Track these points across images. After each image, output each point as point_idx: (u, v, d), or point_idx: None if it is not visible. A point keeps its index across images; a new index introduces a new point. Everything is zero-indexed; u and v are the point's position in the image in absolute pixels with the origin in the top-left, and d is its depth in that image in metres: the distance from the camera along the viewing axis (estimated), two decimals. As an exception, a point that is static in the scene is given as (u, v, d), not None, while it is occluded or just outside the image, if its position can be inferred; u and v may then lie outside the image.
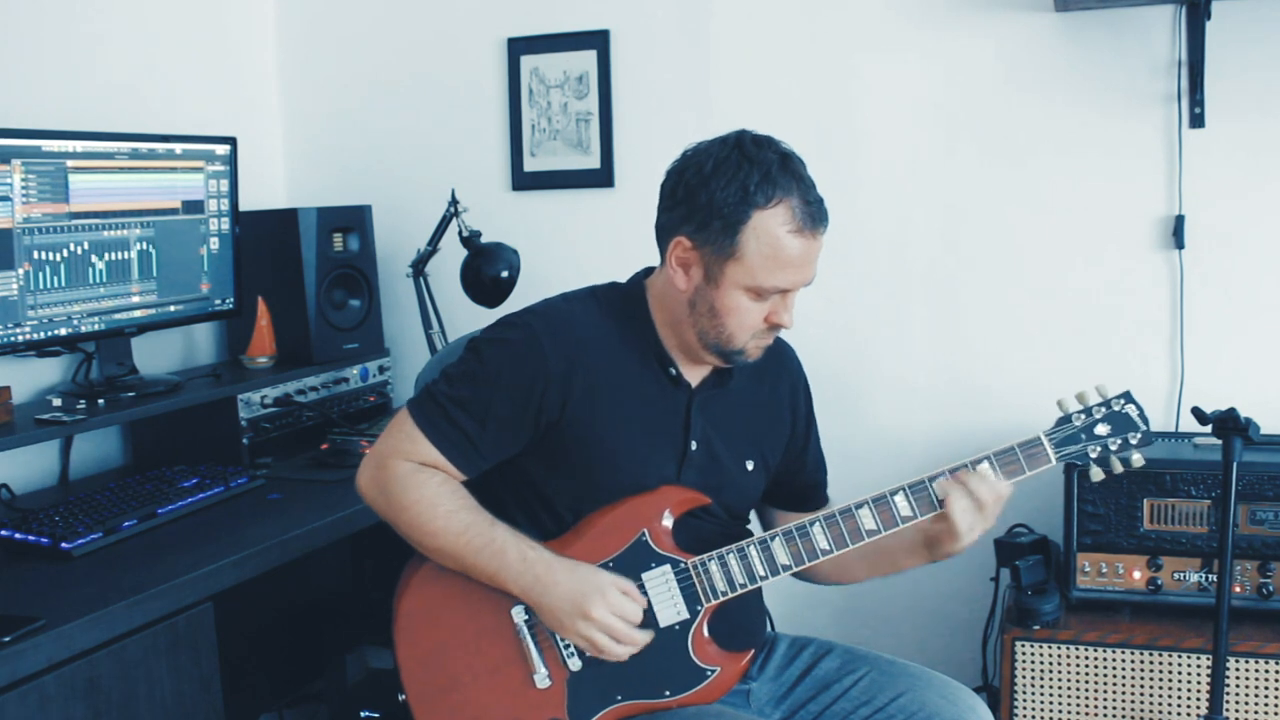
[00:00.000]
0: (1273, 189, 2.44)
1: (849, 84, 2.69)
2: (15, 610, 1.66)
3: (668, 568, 1.64)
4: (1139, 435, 1.62)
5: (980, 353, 2.67)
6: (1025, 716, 2.27)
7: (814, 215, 1.57)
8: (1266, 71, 2.41)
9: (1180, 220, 2.48)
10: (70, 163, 2.24)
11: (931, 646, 2.69)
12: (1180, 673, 2.19)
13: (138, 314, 2.43)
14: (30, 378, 2.42)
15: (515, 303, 2.38)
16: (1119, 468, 1.63)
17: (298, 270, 2.73)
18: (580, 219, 2.93)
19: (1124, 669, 2.21)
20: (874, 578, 1.79)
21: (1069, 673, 2.24)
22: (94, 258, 2.31)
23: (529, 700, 1.64)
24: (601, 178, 2.90)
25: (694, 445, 1.70)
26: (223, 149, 2.59)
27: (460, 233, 2.72)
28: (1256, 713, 2.14)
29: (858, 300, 2.72)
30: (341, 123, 3.13)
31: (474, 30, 2.97)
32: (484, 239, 2.72)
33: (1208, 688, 2.07)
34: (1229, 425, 1.95)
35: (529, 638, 1.64)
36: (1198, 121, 2.43)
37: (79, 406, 2.24)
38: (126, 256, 2.39)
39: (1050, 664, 2.25)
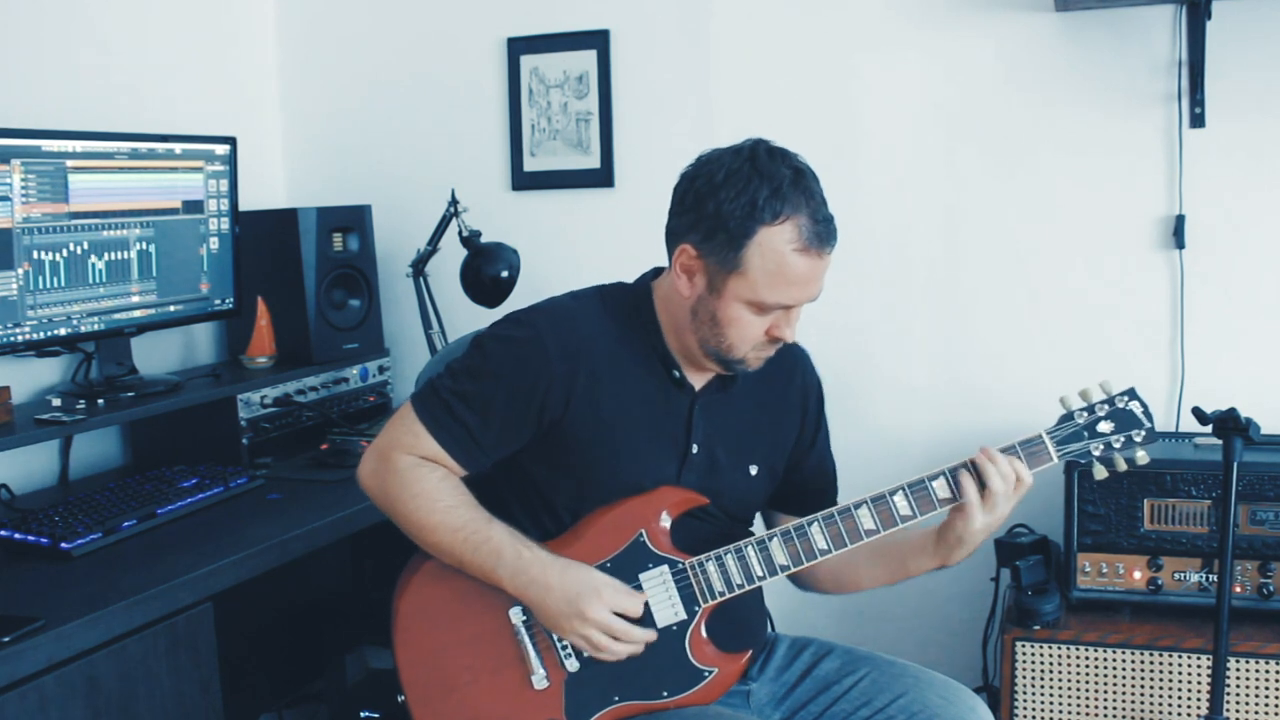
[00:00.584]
0: (1273, 189, 2.44)
1: (849, 84, 2.69)
2: (15, 610, 1.66)
3: (665, 568, 1.63)
4: (1143, 433, 1.60)
5: (980, 353, 2.67)
6: (1025, 717, 2.27)
7: (821, 235, 1.54)
8: (1267, 71, 2.41)
9: (1181, 220, 2.48)
10: (70, 162, 2.24)
11: (932, 647, 2.69)
12: (1181, 673, 2.18)
13: (137, 314, 2.43)
14: (30, 378, 2.42)
15: (515, 303, 2.38)
16: (1122, 466, 1.61)
17: (297, 270, 2.73)
18: (580, 219, 2.93)
19: (1124, 669, 2.21)
20: (880, 585, 1.76)
21: (1069, 673, 2.24)
22: (94, 258, 2.31)
23: (527, 701, 1.64)
24: (601, 178, 2.89)
25: (695, 448, 1.69)
26: (222, 149, 2.59)
27: (460, 232, 2.72)
28: (1257, 713, 2.14)
29: (858, 300, 2.71)
30: (341, 123, 3.13)
31: (474, 30, 2.97)
32: (484, 239, 2.72)
33: (1208, 688, 2.07)
34: (1229, 425, 1.95)
35: (527, 639, 1.64)
36: (1198, 121, 2.43)
37: (78, 406, 2.24)
38: (126, 256, 2.38)
39: (1050, 664, 2.24)
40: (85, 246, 2.29)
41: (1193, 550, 2.23)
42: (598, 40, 2.86)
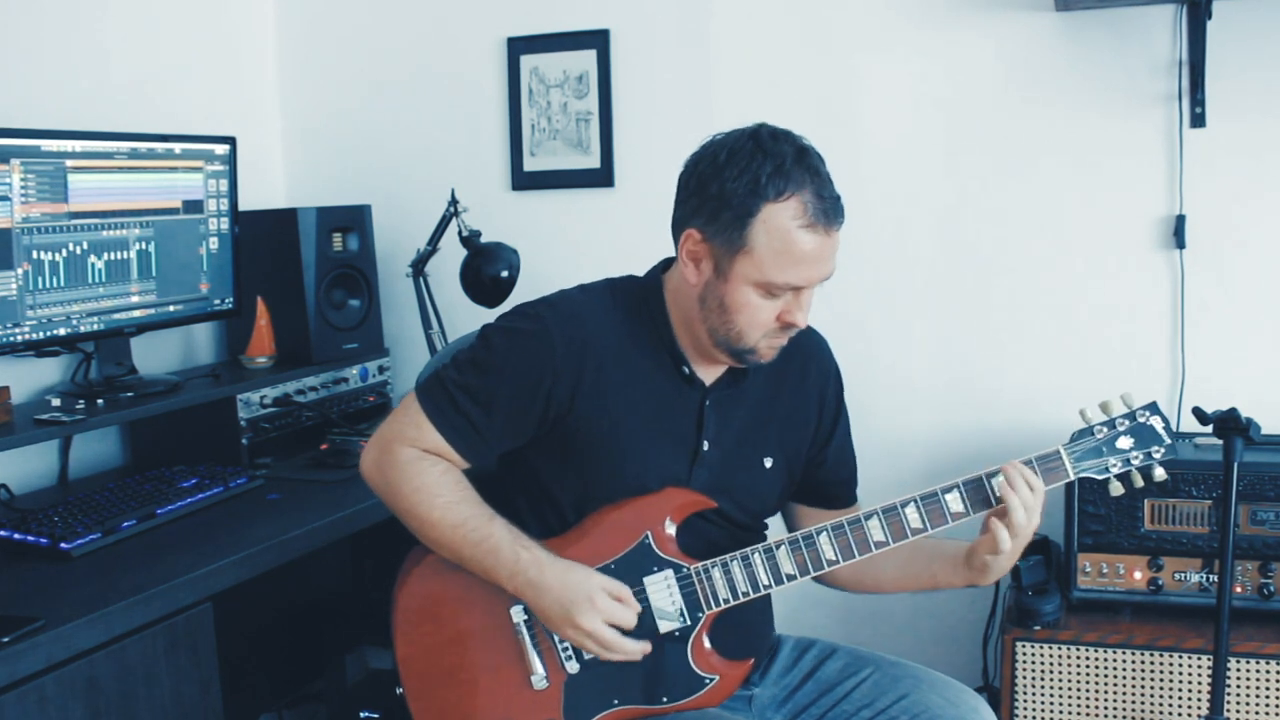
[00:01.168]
0: (1274, 189, 2.44)
1: (849, 84, 2.69)
2: (14, 611, 1.66)
3: (670, 572, 1.62)
4: (1163, 449, 1.57)
5: (981, 352, 2.66)
6: (1026, 717, 2.26)
7: (827, 211, 1.52)
8: (1267, 71, 2.41)
9: (1181, 220, 2.48)
10: (69, 162, 2.23)
11: (932, 647, 2.69)
12: (1181, 673, 2.18)
13: (137, 314, 2.42)
14: (29, 378, 2.41)
15: (514, 303, 2.37)
16: (1139, 481, 1.58)
17: (297, 270, 2.72)
18: (580, 219, 2.93)
19: (1125, 669, 2.21)
20: (904, 591, 1.74)
21: (1070, 673, 2.24)
22: (93, 257, 2.31)
23: (525, 701, 1.63)
24: (601, 177, 2.89)
25: (706, 445, 1.67)
26: (222, 149, 2.59)
27: (460, 232, 2.71)
28: (1257, 713, 2.14)
29: (858, 299, 2.71)
30: (341, 122, 3.12)
31: (474, 30, 2.97)
32: (484, 239, 2.72)
33: (1208, 688, 2.07)
34: (1230, 425, 1.94)
35: (527, 638, 1.63)
36: (1199, 121, 2.43)
37: (78, 406, 2.23)
38: (126, 256, 2.38)
39: (1051, 664, 2.24)
40: (85, 246, 2.29)
41: (1193, 550, 2.23)
42: (598, 40, 2.85)
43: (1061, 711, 2.25)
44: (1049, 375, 2.58)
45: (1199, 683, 2.17)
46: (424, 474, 1.63)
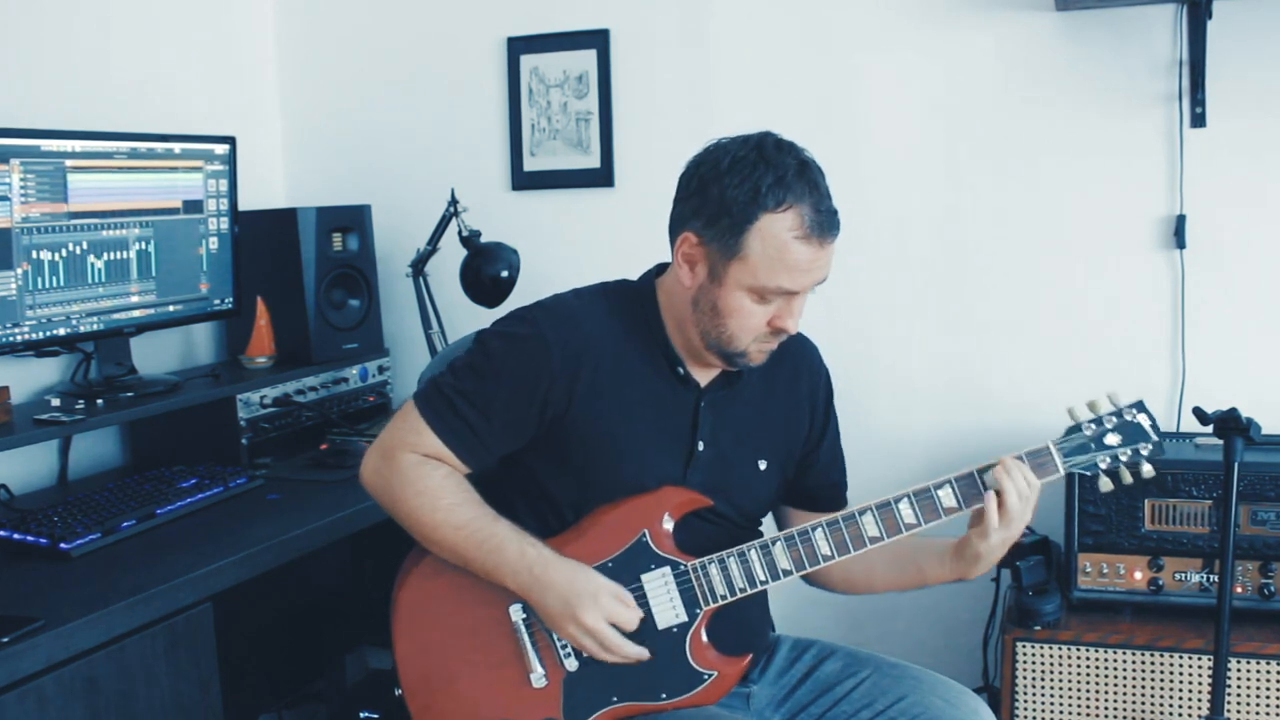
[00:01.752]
0: (1274, 189, 2.44)
1: (849, 84, 2.69)
2: (14, 611, 1.66)
3: (667, 569, 1.63)
4: (1150, 446, 1.59)
5: (981, 352, 2.66)
6: (1026, 717, 2.26)
7: (823, 224, 1.54)
8: (1268, 71, 2.41)
9: (1181, 220, 2.48)
10: (69, 162, 2.23)
11: (932, 647, 2.69)
12: (1181, 673, 2.18)
13: (136, 314, 2.42)
14: (29, 378, 2.41)
15: (514, 303, 2.37)
16: (1128, 478, 1.60)
17: (297, 270, 2.72)
18: (580, 219, 2.93)
19: (1125, 670, 2.21)
20: (894, 590, 1.75)
21: (1070, 673, 2.23)
22: (93, 257, 2.31)
23: (525, 699, 1.64)
24: (601, 177, 2.89)
25: (701, 446, 1.68)
26: (222, 148, 2.59)
27: (460, 232, 2.71)
28: (1258, 713, 2.14)
29: (858, 299, 2.71)
30: (341, 122, 3.12)
31: (474, 29, 2.96)
32: (484, 239, 2.72)
33: (1209, 688, 2.07)
34: (1230, 425, 1.94)
35: (526, 636, 1.64)
36: (1199, 121, 2.43)
37: (78, 406, 2.23)
38: (125, 256, 2.38)
39: (1051, 665, 2.24)
40: (84, 246, 2.29)
41: (1194, 550, 2.23)
42: (598, 40, 2.85)
43: (1062, 712, 2.25)
44: (1049, 375, 2.58)
45: (1199, 683, 2.17)
46: (426, 478, 1.63)
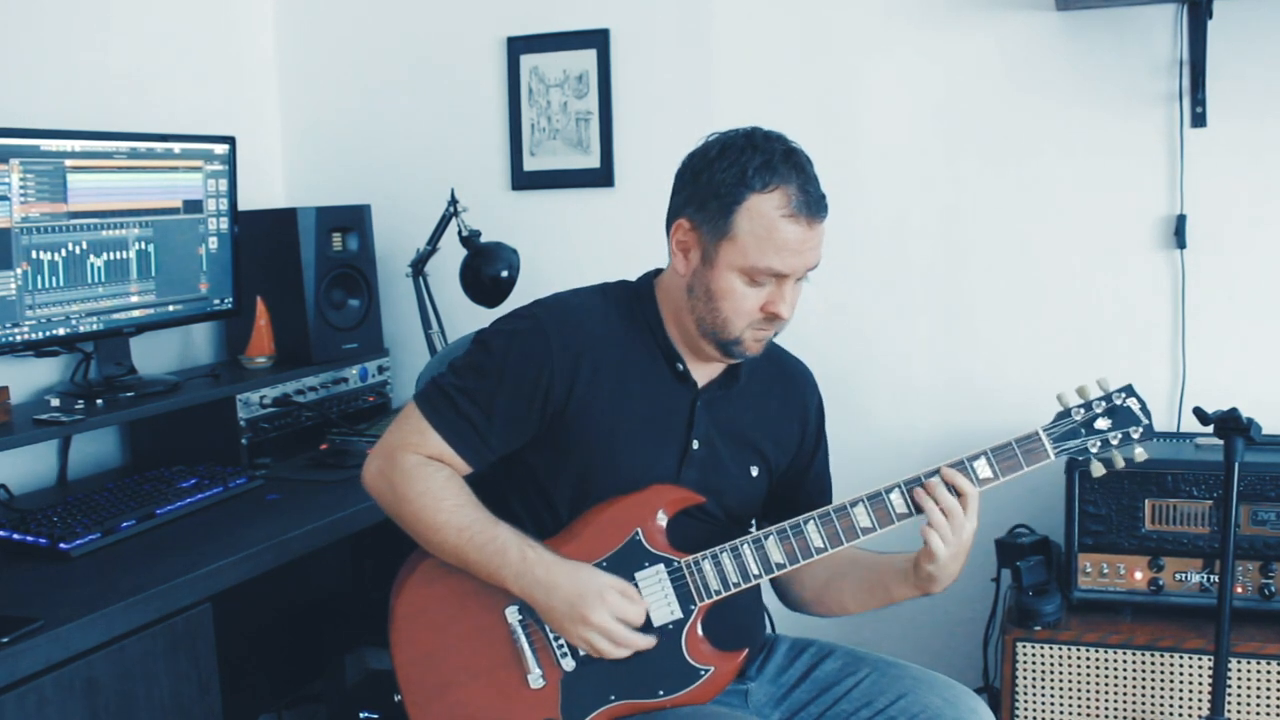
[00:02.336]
0: (1275, 188, 2.44)
1: (849, 84, 2.69)
2: (13, 611, 1.66)
3: (661, 567, 1.63)
4: (1140, 429, 1.60)
5: (981, 352, 2.66)
6: (1026, 717, 2.26)
7: (810, 204, 1.57)
8: (1268, 71, 2.40)
9: (1182, 220, 2.47)
10: (69, 162, 2.23)
11: (932, 647, 2.69)
12: (1182, 674, 2.18)
13: (136, 314, 2.42)
14: (28, 378, 2.41)
15: (514, 303, 2.37)
16: (1120, 463, 1.60)
17: (297, 270, 2.72)
18: (580, 219, 2.93)
19: (1125, 670, 2.21)
20: (867, 609, 1.76)
21: (1070, 673, 2.23)
22: (92, 257, 2.31)
23: (523, 700, 1.64)
24: (601, 177, 2.89)
25: (696, 444, 1.69)
26: (221, 148, 2.59)
27: (460, 232, 2.71)
28: (1258, 714, 2.14)
29: (858, 299, 2.71)
30: (341, 122, 3.12)
31: (473, 29, 2.96)
32: (483, 239, 2.72)
33: (1209, 689, 2.07)
34: (1230, 425, 1.94)
35: (523, 638, 1.64)
36: (1199, 121, 2.43)
37: (77, 406, 2.23)
38: (125, 256, 2.38)
39: (1051, 665, 2.24)
40: (84, 246, 2.28)
41: (1194, 551, 2.22)
42: (598, 40, 2.85)
43: (1062, 712, 2.24)
44: (1049, 375, 2.57)
45: (1200, 683, 2.17)
46: (429, 478, 1.64)
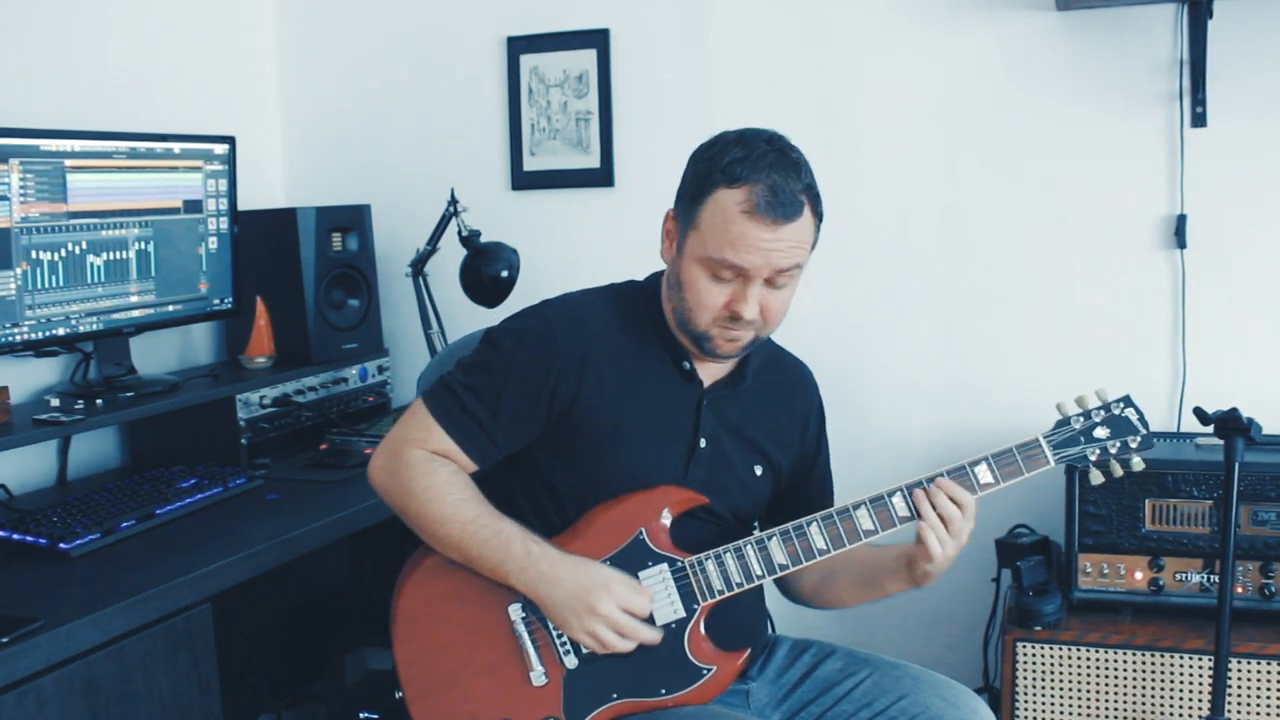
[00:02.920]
0: (1275, 188, 2.44)
1: (849, 84, 2.69)
2: (13, 611, 1.66)
3: (664, 566, 1.63)
4: (1138, 439, 1.62)
5: (981, 352, 2.66)
6: (1026, 718, 2.26)
7: (773, 204, 1.53)
8: (1269, 70, 2.41)
9: (1182, 220, 2.47)
10: (68, 162, 2.23)
11: (932, 647, 2.69)
12: (1182, 674, 2.18)
13: (136, 314, 2.42)
14: (28, 378, 2.41)
15: (513, 303, 2.37)
16: (1118, 471, 1.62)
17: (296, 270, 2.72)
18: (580, 219, 2.93)
19: (1126, 670, 2.21)
20: (863, 603, 1.78)
21: (1070, 674, 2.23)
22: (92, 257, 2.31)
23: (525, 698, 1.64)
24: (601, 177, 2.89)
25: (703, 443, 1.69)
26: (221, 148, 2.59)
27: (459, 232, 2.71)
28: (1258, 714, 2.14)
29: (858, 299, 2.71)
30: (340, 122, 3.12)
31: (473, 29, 2.96)
32: (483, 239, 2.72)
33: (1209, 689, 2.07)
34: (1231, 425, 1.95)
35: (525, 635, 1.64)
36: (1200, 121, 2.43)
37: (77, 406, 2.23)
38: (125, 256, 2.38)
39: (1052, 665, 2.24)
40: (84, 246, 2.28)
41: (1194, 551, 2.22)
42: (597, 40, 2.85)
43: (1062, 712, 2.24)
44: (1049, 375, 2.58)
45: (1200, 683, 2.17)
46: (435, 473, 1.64)
